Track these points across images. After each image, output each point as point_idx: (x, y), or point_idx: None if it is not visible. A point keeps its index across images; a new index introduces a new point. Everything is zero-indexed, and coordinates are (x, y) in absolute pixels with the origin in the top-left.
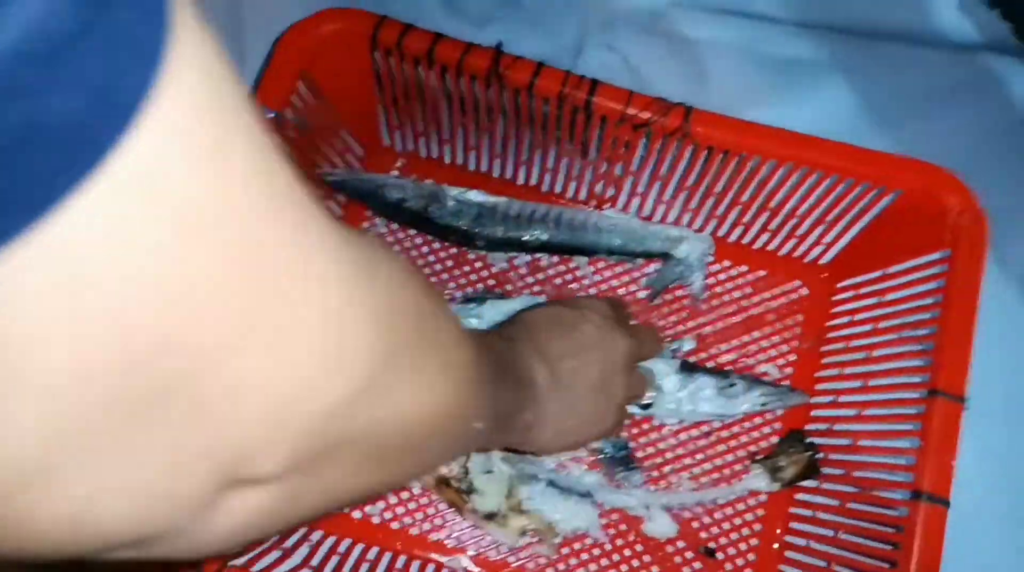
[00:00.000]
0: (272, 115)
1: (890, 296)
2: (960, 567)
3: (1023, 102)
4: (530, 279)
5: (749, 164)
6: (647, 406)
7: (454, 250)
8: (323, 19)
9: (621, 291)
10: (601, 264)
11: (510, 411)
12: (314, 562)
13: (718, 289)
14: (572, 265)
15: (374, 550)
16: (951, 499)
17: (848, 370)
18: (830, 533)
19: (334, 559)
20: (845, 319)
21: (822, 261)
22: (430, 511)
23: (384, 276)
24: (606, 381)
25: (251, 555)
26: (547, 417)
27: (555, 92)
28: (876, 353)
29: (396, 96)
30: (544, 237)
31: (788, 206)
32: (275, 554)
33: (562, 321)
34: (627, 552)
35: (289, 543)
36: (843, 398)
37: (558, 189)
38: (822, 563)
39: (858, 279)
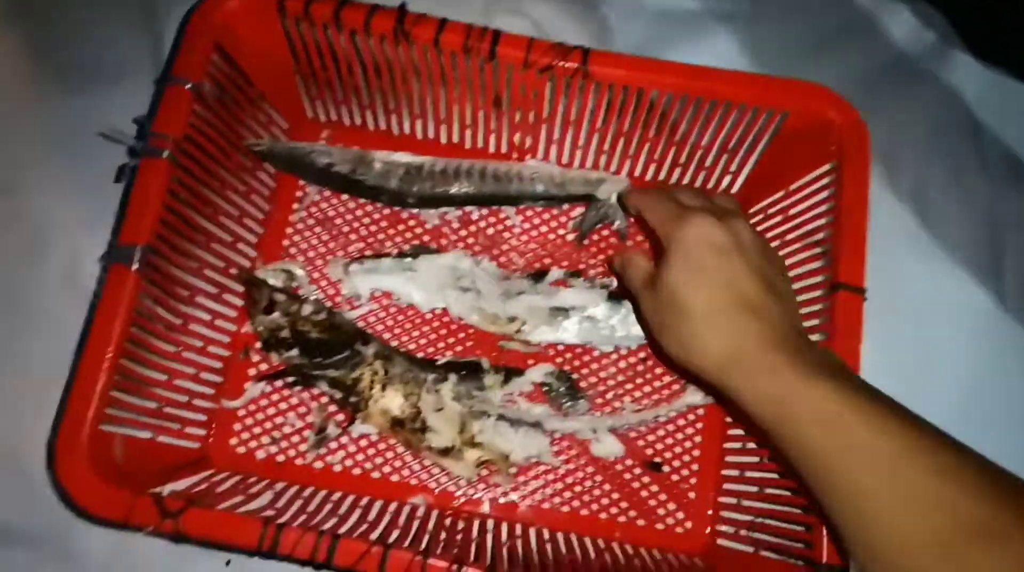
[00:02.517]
0: (188, 86)
1: (792, 211)
2: None
3: (900, 39)
4: (463, 232)
5: (649, 99)
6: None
7: (387, 211)
8: None
9: (551, 236)
10: (529, 212)
11: None
12: (278, 505)
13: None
14: (502, 215)
15: (337, 493)
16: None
17: None
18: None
19: (298, 502)
20: None
21: (733, 190)
22: (389, 455)
23: None
24: None
25: (216, 499)
26: None
27: (460, 45)
28: (788, 262)
29: (313, 65)
30: (471, 189)
31: (692, 138)
32: (238, 498)
33: None
34: (579, 474)
35: (253, 490)
36: None
37: (480, 144)
38: (755, 459)
39: (764, 202)
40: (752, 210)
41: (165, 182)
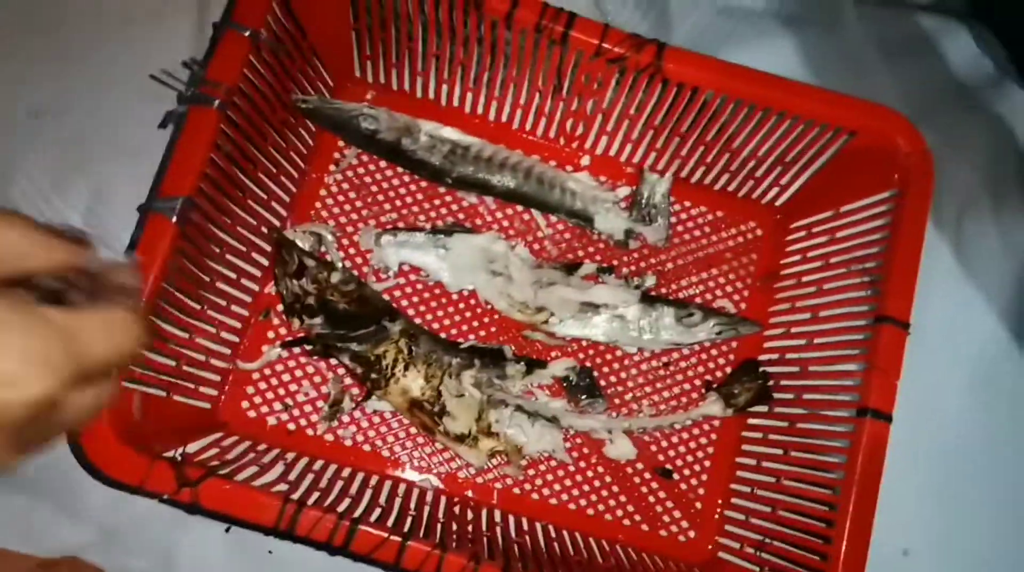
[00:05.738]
0: (247, 33)
1: (841, 234)
2: (895, 479)
3: (958, 64)
4: (499, 214)
5: (716, 103)
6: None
7: (424, 184)
8: None
9: (580, 253)
10: (561, 226)
11: None
12: (291, 477)
13: (679, 228)
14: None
15: (347, 470)
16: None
17: (799, 303)
18: (780, 452)
19: (309, 476)
20: (797, 257)
21: (778, 202)
22: (400, 434)
23: None
24: None
25: (231, 468)
26: None
27: (532, 23)
28: (826, 286)
29: (371, 23)
30: (511, 185)
31: (750, 147)
32: (252, 469)
33: None
34: (589, 473)
35: (266, 459)
36: (794, 329)
37: (528, 126)
38: (771, 479)
39: (810, 219)
40: (794, 225)
41: (213, 133)
